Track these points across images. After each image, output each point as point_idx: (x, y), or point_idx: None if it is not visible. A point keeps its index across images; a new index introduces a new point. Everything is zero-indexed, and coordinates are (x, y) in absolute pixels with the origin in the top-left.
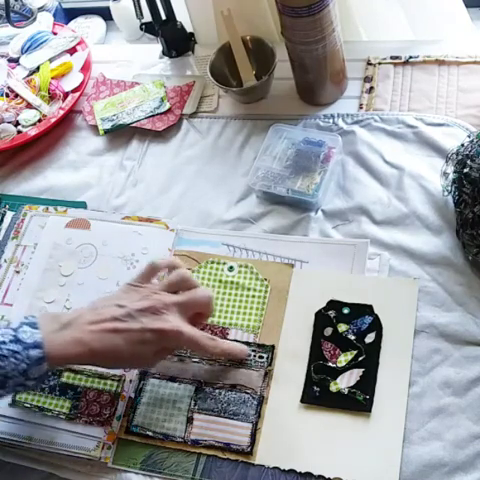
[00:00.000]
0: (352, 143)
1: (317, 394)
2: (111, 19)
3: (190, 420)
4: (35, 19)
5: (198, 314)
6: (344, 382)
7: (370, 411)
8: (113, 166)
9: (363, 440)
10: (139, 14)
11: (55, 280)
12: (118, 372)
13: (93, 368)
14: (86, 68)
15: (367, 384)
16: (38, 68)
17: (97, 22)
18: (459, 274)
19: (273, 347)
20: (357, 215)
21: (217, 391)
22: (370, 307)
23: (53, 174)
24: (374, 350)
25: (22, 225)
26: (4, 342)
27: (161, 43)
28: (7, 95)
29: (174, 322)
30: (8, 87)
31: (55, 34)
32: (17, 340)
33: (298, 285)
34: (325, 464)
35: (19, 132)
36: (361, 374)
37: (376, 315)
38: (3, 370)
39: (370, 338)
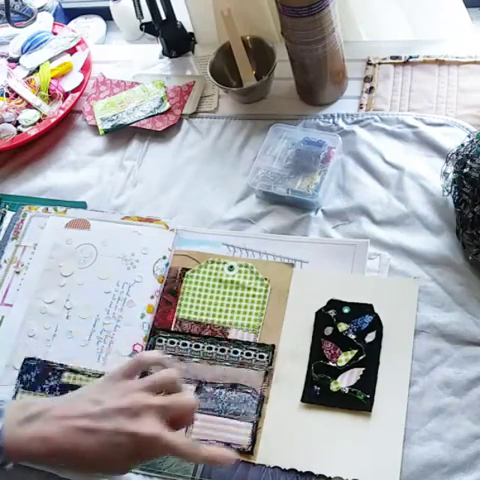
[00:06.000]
0: (352, 143)
1: (317, 393)
2: (111, 19)
3: None
4: (35, 19)
5: (177, 419)
6: (344, 381)
7: (370, 410)
8: (113, 166)
9: (363, 439)
10: (139, 14)
11: (55, 280)
12: None
13: (94, 368)
14: (86, 68)
15: (367, 383)
16: (38, 68)
17: (97, 22)
18: (459, 274)
19: (273, 346)
20: (357, 215)
21: (218, 391)
22: (370, 306)
23: (53, 174)
24: (374, 349)
25: (22, 225)
26: None
27: (161, 43)
28: (7, 95)
29: (152, 427)
30: (8, 87)
31: (55, 34)
32: None
33: (298, 285)
34: (326, 463)
35: (19, 132)
36: (361, 373)
37: (376, 314)
38: None
39: (370, 337)
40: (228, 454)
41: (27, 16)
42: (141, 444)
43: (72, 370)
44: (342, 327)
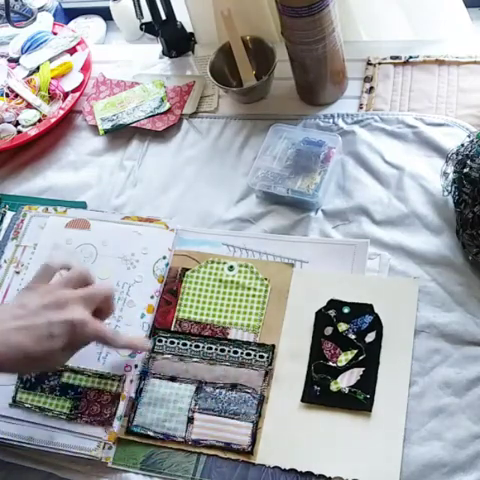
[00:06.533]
0: (352, 143)
1: (318, 393)
2: (111, 19)
3: (191, 420)
4: (35, 19)
5: (98, 311)
6: (344, 381)
7: (370, 410)
8: (113, 166)
9: (364, 439)
10: (139, 14)
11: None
12: (119, 372)
13: (94, 367)
14: (86, 68)
15: (367, 383)
16: (38, 68)
17: (97, 22)
18: (459, 274)
19: (273, 346)
20: (357, 215)
21: (218, 391)
22: (370, 306)
23: (53, 174)
24: (374, 349)
25: (22, 225)
26: None
27: (161, 43)
28: (7, 95)
29: (80, 313)
30: (8, 87)
31: (55, 34)
32: None
33: (298, 285)
34: (326, 463)
35: (19, 132)
36: (361, 373)
37: (376, 314)
38: None
39: (370, 337)
40: (144, 342)
41: (27, 16)
42: (73, 331)
43: (72, 370)
44: (342, 327)
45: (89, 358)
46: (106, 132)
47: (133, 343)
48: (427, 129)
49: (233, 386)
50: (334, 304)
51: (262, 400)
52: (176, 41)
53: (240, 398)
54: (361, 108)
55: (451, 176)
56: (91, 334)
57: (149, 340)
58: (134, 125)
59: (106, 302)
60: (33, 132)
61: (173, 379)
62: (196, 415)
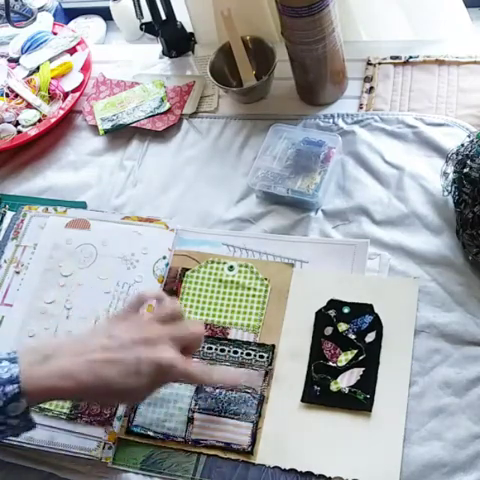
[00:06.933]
0: (352, 143)
1: (318, 393)
2: (111, 19)
3: (191, 420)
4: (35, 19)
5: (186, 346)
6: (344, 381)
7: (370, 410)
8: (113, 166)
9: (364, 439)
10: (139, 14)
11: (55, 280)
12: None
13: None
14: (86, 68)
15: (367, 383)
16: (38, 68)
17: (97, 22)
18: (459, 274)
19: (273, 346)
20: (357, 215)
21: (217, 391)
22: (370, 306)
23: (53, 174)
24: (374, 349)
25: (22, 225)
26: None
27: (161, 43)
28: (7, 95)
29: (169, 354)
30: (8, 87)
31: (55, 34)
32: None
33: (298, 285)
34: (326, 463)
35: (19, 132)
36: (361, 373)
37: (376, 314)
38: None
39: (370, 337)
40: (236, 375)
41: (27, 16)
42: (160, 371)
43: None
44: (342, 327)
45: None
46: (106, 132)
47: (227, 378)
48: (427, 129)
49: (233, 386)
50: (334, 304)
51: (262, 400)
52: (176, 41)
53: (240, 398)
54: (361, 108)
55: (451, 176)
56: (179, 375)
57: (243, 373)
58: (134, 125)
59: (196, 340)
60: (33, 132)
61: None
62: (196, 415)
